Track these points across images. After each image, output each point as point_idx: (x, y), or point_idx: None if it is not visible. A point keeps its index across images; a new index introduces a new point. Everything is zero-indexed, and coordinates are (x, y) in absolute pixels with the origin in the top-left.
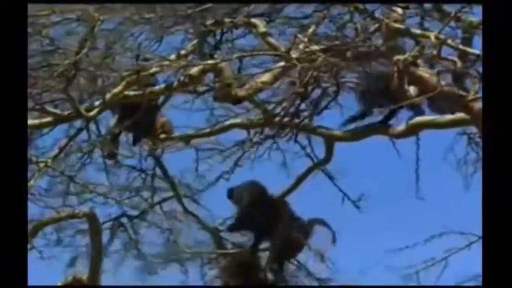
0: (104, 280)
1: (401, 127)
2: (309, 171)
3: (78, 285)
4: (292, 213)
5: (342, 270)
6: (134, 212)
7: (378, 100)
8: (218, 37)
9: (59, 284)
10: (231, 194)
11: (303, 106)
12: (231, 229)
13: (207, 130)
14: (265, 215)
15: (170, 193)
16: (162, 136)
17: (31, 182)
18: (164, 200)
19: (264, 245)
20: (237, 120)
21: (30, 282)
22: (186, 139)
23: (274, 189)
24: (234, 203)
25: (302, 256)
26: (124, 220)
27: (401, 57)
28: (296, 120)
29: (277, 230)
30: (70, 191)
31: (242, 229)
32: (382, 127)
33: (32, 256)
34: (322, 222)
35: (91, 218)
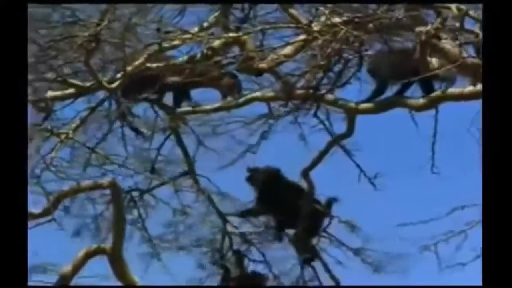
0: None
1: (422, 99)
2: (330, 145)
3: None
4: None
5: (372, 238)
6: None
7: (394, 74)
8: (241, 9)
9: (81, 253)
10: (250, 178)
11: (324, 80)
12: (245, 214)
13: (232, 103)
14: (284, 200)
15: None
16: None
17: (52, 154)
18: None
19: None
20: (258, 94)
21: (54, 254)
22: (208, 112)
23: (293, 164)
24: (253, 187)
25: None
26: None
27: (423, 29)
28: (317, 93)
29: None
30: (91, 162)
31: (261, 215)
32: (403, 99)
33: (52, 228)
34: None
35: (114, 188)
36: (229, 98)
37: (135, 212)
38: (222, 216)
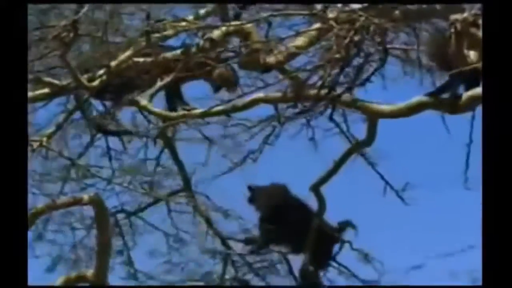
0: None
1: (455, 100)
2: (348, 153)
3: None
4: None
5: (391, 270)
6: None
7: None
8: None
9: (60, 281)
10: (252, 199)
11: (341, 77)
12: (249, 243)
13: (229, 106)
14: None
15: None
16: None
17: None
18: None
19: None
20: (263, 94)
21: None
22: (204, 116)
23: (305, 172)
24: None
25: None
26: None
27: (459, 16)
28: (334, 93)
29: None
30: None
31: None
32: (433, 100)
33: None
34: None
35: (98, 204)
36: (223, 91)
37: (119, 240)
38: (224, 242)
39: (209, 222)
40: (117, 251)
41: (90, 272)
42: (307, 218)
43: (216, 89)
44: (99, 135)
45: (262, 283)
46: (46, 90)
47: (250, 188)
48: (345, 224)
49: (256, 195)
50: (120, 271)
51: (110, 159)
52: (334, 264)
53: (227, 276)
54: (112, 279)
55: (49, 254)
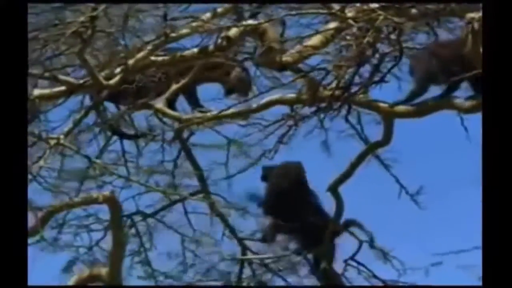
0: None
1: (473, 100)
2: (365, 154)
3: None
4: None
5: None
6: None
7: (441, 69)
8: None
9: (73, 280)
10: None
11: (355, 77)
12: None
13: (244, 108)
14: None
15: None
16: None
17: (40, 163)
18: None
19: None
20: (278, 96)
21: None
22: (220, 118)
23: (318, 174)
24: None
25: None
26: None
27: (476, 14)
28: (349, 93)
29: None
30: (87, 173)
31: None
32: (451, 100)
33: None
34: (358, 225)
35: (113, 203)
36: (236, 95)
37: (136, 241)
38: (241, 242)
39: (226, 222)
40: (134, 252)
41: (104, 271)
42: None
43: (228, 92)
44: (114, 138)
45: (282, 283)
46: (62, 88)
47: (264, 167)
48: (351, 223)
49: (269, 173)
50: (138, 271)
51: (125, 161)
52: (353, 263)
53: (244, 276)
54: (130, 279)
55: (67, 255)
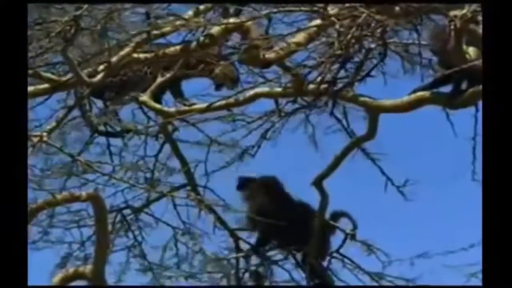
0: None
1: (458, 95)
2: (349, 148)
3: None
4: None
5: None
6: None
7: None
8: None
9: (57, 277)
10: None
11: (342, 72)
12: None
13: (230, 101)
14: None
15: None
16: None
17: None
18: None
19: None
20: (264, 89)
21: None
22: (205, 111)
23: (304, 169)
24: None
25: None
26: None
27: (458, 12)
28: (334, 88)
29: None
30: (70, 171)
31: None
32: (435, 94)
33: None
34: (346, 215)
35: (96, 200)
36: (225, 89)
37: (129, 235)
38: (233, 233)
39: (216, 214)
40: (127, 246)
41: (87, 269)
42: (302, 212)
43: (218, 86)
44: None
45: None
46: (45, 85)
47: (240, 178)
48: (339, 214)
49: (246, 185)
50: (134, 264)
51: (110, 156)
52: (337, 256)
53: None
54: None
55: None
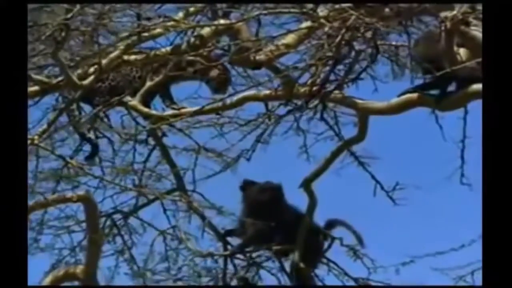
0: None
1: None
2: (338, 151)
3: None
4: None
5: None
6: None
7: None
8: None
9: (48, 279)
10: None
11: (331, 75)
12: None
13: (220, 105)
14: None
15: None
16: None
17: None
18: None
19: None
20: (252, 92)
21: None
22: (195, 114)
23: (294, 172)
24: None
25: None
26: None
27: (449, 13)
28: (324, 90)
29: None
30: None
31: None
32: (425, 97)
33: None
34: (344, 224)
35: (88, 202)
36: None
37: (118, 240)
38: (222, 238)
39: (205, 219)
40: (117, 251)
41: (79, 269)
42: (296, 217)
43: (215, 90)
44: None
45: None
46: (36, 88)
47: (244, 180)
48: (334, 223)
49: (247, 187)
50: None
51: (100, 161)
52: (323, 260)
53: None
54: (118, 278)
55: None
